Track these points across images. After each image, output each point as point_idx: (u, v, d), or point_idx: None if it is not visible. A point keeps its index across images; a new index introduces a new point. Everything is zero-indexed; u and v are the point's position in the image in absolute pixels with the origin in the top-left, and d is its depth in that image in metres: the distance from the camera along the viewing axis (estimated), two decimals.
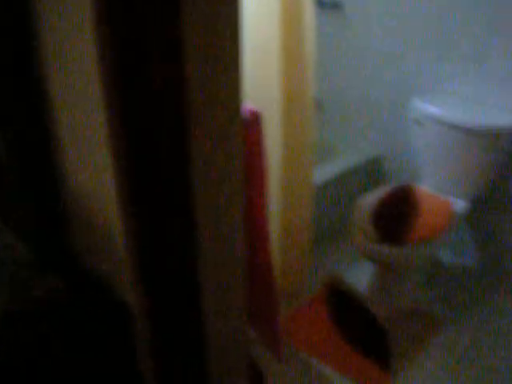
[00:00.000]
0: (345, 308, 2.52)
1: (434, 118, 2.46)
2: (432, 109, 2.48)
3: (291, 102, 2.09)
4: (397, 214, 2.31)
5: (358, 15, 2.84)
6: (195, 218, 0.90)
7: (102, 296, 1.07)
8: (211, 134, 0.86)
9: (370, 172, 3.08)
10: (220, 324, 1.09)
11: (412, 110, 2.58)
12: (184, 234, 0.90)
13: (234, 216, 0.99)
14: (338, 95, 3.11)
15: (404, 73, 2.74)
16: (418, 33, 2.63)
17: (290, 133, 2.14)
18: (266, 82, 1.94)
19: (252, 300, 1.60)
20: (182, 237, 0.90)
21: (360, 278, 2.65)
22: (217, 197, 0.93)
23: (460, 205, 2.50)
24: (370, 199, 2.42)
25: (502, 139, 2.38)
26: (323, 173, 2.82)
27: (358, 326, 2.43)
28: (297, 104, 2.12)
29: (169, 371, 1.06)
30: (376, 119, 2.99)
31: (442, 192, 2.56)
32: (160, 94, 0.77)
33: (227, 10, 0.81)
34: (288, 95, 2.05)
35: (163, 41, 0.74)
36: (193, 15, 0.75)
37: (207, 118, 0.84)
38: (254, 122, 1.25)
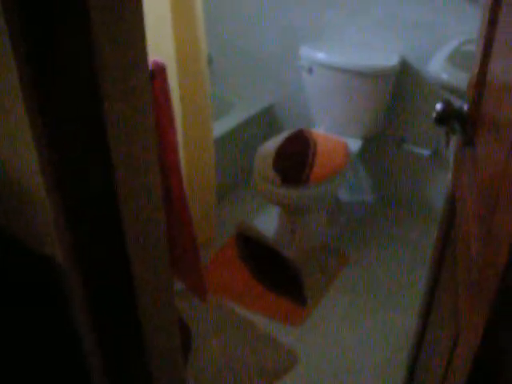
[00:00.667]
0: (256, 253, 2.63)
1: (322, 63, 2.57)
2: (320, 55, 2.59)
3: (185, 58, 2.14)
4: (296, 158, 2.42)
5: None
6: (114, 167, 0.95)
7: (26, 251, 1.09)
8: (121, 88, 0.91)
9: (267, 121, 3.18)
10: (148, 275, 1.14)
11: (301, 57, 2.68)
12: (103, 182, 0.95)
13: (148, 157, 1.04)
14: (228, 48, 3.16)
15: (291, 21, 2.83)
16: None
17: (186, 87, 2.19)
18: (160, 40, 1.97)
19: (171, 243, 1.67)
20: (101, 185, 0.95)
21: (268, 222, 2.76)
22: (131, 144, 0.98)
23: (354, 144, 2.65)
24: (269, 146, 2.51)
25: (387, 79, 2.53)
26: (221, 126, 2.88)
27: (271, 268, 2.55)
28: (191, 59, 2.17)
29: (103, 326, 1.11)
30: (267, 69, 3.07)
31: (336, 133, 2.69)
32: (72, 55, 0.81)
33: None
34: (182, 51, 2.10)
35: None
36: None
37: (116, 71, 0.89)
38: (159, 73, 1.32)
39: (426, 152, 2.68)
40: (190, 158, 2.34)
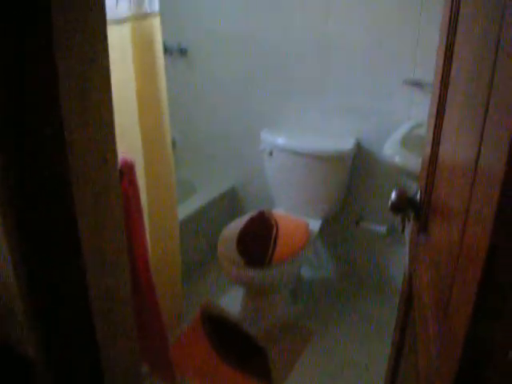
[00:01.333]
0: (221, 332, 2.66)
1: (282, 147, 2.69)
2: (279, 139, 2.71)
3: (151, 146, 2.22)
4: (258, 240, 2.49)
5: (201, 59, 3.05)
6: (84, 264, 1.00)
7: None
8: (90, 187, 0.97)
9: (230, 202, 3.27)
10: (117, 362, 1.17)
11: (262, 141, 2.80)
12: (73, 273, 1.00)
13: (118, 254, 1.09)
14: (191, 132, 3.28)
15: (253, 106, 2.97)
16: (261, 72, 2.87)
17: (151, 174, 2.25)
18: (126, 129, 2.04)
19: (140, 329, 1.70)
20: (70, 273, 1.00)
21: (233, 302, 2.80)
22: (101, 241, 1.04)
23: (314, 223, 2.74)
24: (232, 228, 2.59)
25: (344, 162, 2.65)
26: (185, 208, 2.95)
27: (236, 348, 2.57)
28: (156, 147, 2.25)
29: None
30: (230, 152, 3.19)
31: (297, 214, 2.79)
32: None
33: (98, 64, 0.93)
34: (147, 139, 2.18)
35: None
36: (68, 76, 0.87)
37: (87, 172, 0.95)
38: (128, 170, 1.38)
39: (382, 229, 2.79)
40: (156, 240, 2.39)
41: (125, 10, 1.94)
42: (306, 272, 3.12)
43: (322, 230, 2.82)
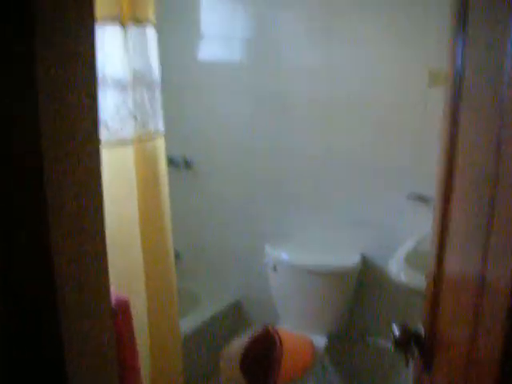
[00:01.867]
0: None
1: (286, 262, 2.66)
2: (283, 254, 2.69)
3: (152, 262, 2.20)
4: (262, 358, 2.42)
5: (206, 172, 3.09)
6: None
7: None
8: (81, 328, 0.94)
9: (234, 316, 3.20)
10: None
11: (266, 256, 2.77)
12: None
13: None
14: (196, 244, 3.27)
15: (258, 221, 2.97)
16: (264, 185, 2.89)
17: (152, 289, 2.22)
18: (127, 245, 2.03)
19: None
20: None
21: None
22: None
23: (320, 340, 2.67)
24: (235, 346, 2.52)
25: (349, 277, 2.61)
26: (188, 323, 2.89)
27: None
28: (157, 263, 2.24)
29: None
30: (235, 265, 3.16)
31: (302, 330, 2.71)
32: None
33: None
34: (148, 255, 2.16)
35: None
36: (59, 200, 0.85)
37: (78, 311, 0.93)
38: (121, 311, 1.33)
39: (390, 344, 2.70)
40: (157, 358, 2.32)
41: (130, 132, 1.97)
42: None
43: (328, 346, 2.74)
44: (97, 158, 0.95)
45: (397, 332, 1.25)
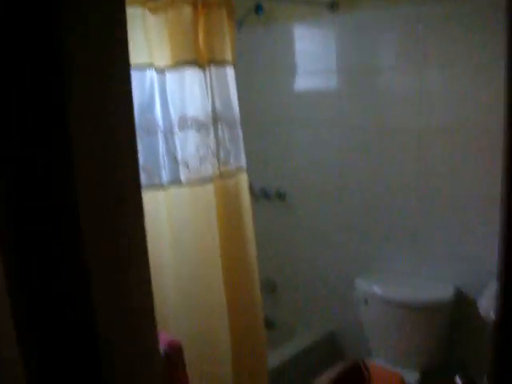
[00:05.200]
0: None
1: (377, 296, 2.62)
2: (374, 287, 2.65)
3: (237, 290, 2.23)
4: None
5: (299, 202, 3.10)
6: None
7: None
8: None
9: (326, 348, 3.18)
10: None
11: (357, 289, 2.74)
12: None
13: None
14: (292, 276, 3.29)
15: (347, 252, 2.95)
16: (357, 216, 2.87)
17: (237, 320, 2.25)
18: (209, 285, 2.07)
19: None
20: None
21: None
22: None
23: (412, 376, 2.60)
24: (324, 379, 2.50)
25: (443, 311, 2.53)
26: (280, 353, 2.91)
27: None
28: (243, 292, 2.26)
29: None
30: (327, 297, 3.14)
31: (393, 364, 2.65)
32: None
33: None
34: (233, 297, 2.19)
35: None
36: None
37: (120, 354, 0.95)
38: (174, 356, 1.34)
39: None
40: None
41: (210, 170, 2.03)
42: None
43: (420, 381, 2.66)
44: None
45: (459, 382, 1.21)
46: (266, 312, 3.06)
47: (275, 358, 2.84)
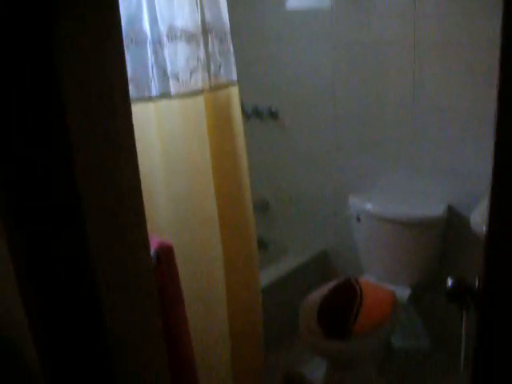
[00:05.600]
0: None
1: (369, 213, 2.62)
2: (367, 205, 2.64)
3: (228, 215, 2.22)
4: (340, 310, 2.41)
5: (291, 121, 3.06)
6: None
7: None
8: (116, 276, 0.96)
9: (318, 267, 3.20)
10: None
11: (350, 206, 2.74)
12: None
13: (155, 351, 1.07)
14: (284, 194, 3.27)
15: (340, 170, 2.93)
16: (349, 134, 2.83)
17: (229, 239, 2.24)
18: (201, 197, 2.05)
19: None
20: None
21: (316, 372, 2.71)
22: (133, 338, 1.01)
23: (403, 292, 2.62)
24: (315, 296, 2.52)
25: (435, 228, 2.53)
26: (273, 272, 2.93)
27: None
28: (235, 216, 2.25)
29: None
30: (319, 215, 3.14)
31: (385, 281, 2.68)
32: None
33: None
34: (224, 208, 2.18)
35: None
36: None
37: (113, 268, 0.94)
38: (165, 257, 1.34)
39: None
40: (235, 312, 2.35)
41: (199, 83, 1.98)
42: (397, 341, 2.97)
43: (414, 298, 2.69)
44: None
45: (450, 283, 1.20)
46: (259, 232, 3.08)
47: (268, 276, 2.86)
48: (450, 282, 1.21)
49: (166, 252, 1.32)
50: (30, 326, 0.93)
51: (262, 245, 3.30)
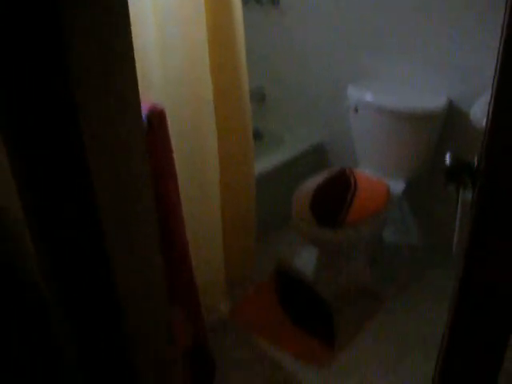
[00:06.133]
0: (293, 291, 2.61)
1: (368, 103, 2.55)
2: (366, 95, 2.57)
3: (224, 98, 2.15)
4: (333, 199, 2.39)
5: (292, 9, 2.93)
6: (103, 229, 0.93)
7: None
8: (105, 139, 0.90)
9: (315, 158, 3.17)
10: (139, 305, 1.12)
11: (348, 96, 2.67)
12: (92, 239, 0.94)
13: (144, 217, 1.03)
14: (281, 85, 3.19)
15: (340, 61, 2.84)
16: (351, 24, 2.73)
17: (225, 127, 2.20)
18: (195, 70, 1.96)
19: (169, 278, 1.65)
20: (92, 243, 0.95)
21: (307, 261, 2.73)
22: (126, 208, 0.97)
23: (397, 185, 2.60)
24: (308, 185, 2.50)
25: (434, 121, 2.48)
26: (267, 162, 2.90)
27: (305, 309, 2.52)
28: (231, 99, 2.19)
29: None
30: (317, 107, 3.08)
31: (380, 174, 2.65)
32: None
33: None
34: (220, 90, 2.11)
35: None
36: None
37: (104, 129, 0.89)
38: (157, 120, 1.29)
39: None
40: (229, 196, 2.34)
41: None
42: (389, 236, 2.98)
43: (407, 192, 2.67)
44: None
45: (449, 160, 1.16)
46: (255, 123, 3.02)
47: (262, 166, 2.83)
48: (448, 158, 1.17)
49: (157, 116, 1.27)
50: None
51: (258, 135, 3.25)
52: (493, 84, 1.04)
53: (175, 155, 1.49)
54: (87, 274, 0.98)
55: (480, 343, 1.10)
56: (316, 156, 3.17)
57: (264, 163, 2.87)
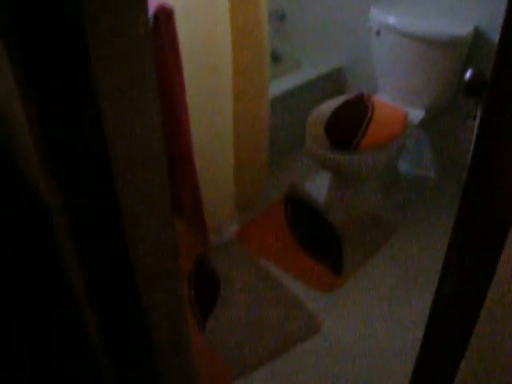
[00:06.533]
0: (302, 216, 2.59)
1: (391, 27, 2.46)
2: (389, 18, 2.47)
3: (241, 17, 2.07)
4: (350, 122, 2.34)
5: None
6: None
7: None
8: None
9: (333, 82, 3.08)
10: (145, 219, 1.09)
11: (371, 19, 2.57)
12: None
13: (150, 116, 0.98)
14: (302, 6, 3.09)
15: None
16: None
17: (242, 47, 2.12)
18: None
19: (177, 191, 1.63)
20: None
21: (319, 187, 2.70)
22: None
23: (416, 114, 2.53)
24: (325, 107, 2.45)
25: (458, 49, 2.39)
26: (284, 84, 2.83)
27: (315, 234, 2.50)
28: (249, 18, 2.10)
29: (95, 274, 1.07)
30: (337, 29, 2.97)
31: (399, 102, 2.58)
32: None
33: None
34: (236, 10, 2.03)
35: None
36: None
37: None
38: (165, 19, 1.22)
39: None
40: (243, 112, 2.28)
41: None
42: (404, 166, 2.92)
43: (425, 122, 2.60)
44: None
45: (469, 75, 1.11)
46: (273, 44, 2.93)
47: (278, 87, 2.76)
48: (468, 73, 1.11)
49: (165, 13, 1.21)
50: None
51: (275, 58, 3.17)
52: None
53: (185, 58, 1.43)
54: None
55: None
56: (334, 81, 3.08)
57: (280, 85, 2.80)
